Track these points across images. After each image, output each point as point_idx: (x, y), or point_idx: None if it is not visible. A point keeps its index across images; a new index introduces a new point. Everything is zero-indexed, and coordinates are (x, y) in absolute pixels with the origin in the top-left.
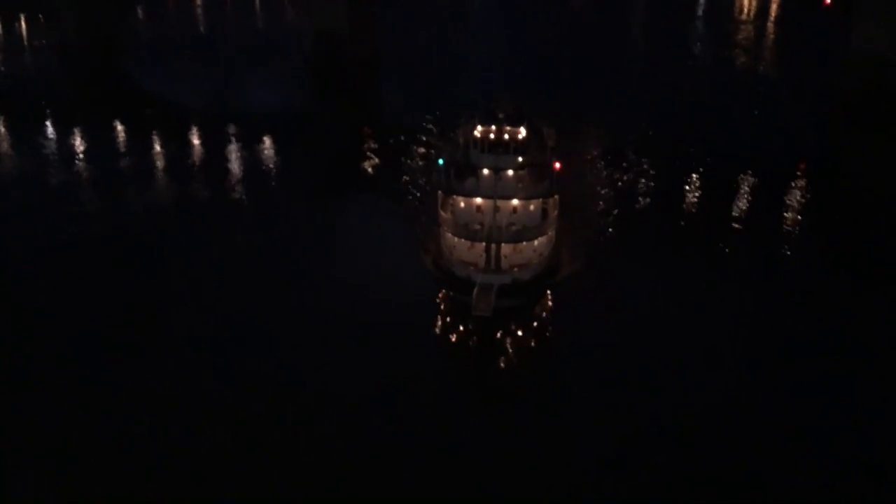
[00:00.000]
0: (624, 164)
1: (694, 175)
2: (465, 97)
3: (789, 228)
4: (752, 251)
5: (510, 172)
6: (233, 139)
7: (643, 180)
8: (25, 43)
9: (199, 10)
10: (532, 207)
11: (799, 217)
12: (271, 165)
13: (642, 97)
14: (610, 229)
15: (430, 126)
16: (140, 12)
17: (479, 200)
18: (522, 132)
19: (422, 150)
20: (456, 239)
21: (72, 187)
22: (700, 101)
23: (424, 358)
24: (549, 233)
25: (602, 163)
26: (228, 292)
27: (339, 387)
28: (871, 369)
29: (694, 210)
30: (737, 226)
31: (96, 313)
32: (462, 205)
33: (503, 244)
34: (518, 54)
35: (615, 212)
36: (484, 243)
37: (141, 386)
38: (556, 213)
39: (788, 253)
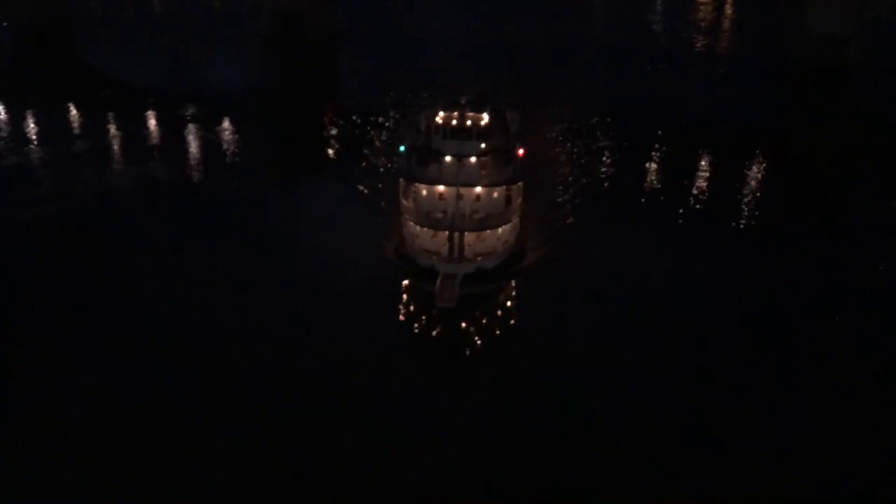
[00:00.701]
0: (588, 147)
1: (657, 155)
2: (428, 78)
3: (750, 202)
4: (717, 228)
5: (473, 159)
6: (191, 119)
7: (608, 163)
8: None
9: None
10: (496, 195)
11: (758, 190)
12: (230, 146)
13: (605, 78)
14: (575, 214)
15: (392, 108)
16: None
17: (441, 188)
18: (485, 118)
19: (383, 132)
20: (418, 227)
21: (26, 169)
22: (661, 82)
23: (386, 348)
24: (514, 220)
25: (566, 146)
26: (183, 274)
27: (297, 376)
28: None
29: (658, 190)
30: (701, 204)
31: (50, 293)
32: (424, 192)
33: (466, 232)
34: (481, 34)
35: (580, 196)
36: (447, 232)
37: (93, 367)
38: (520, 200)
39: (750, 226)
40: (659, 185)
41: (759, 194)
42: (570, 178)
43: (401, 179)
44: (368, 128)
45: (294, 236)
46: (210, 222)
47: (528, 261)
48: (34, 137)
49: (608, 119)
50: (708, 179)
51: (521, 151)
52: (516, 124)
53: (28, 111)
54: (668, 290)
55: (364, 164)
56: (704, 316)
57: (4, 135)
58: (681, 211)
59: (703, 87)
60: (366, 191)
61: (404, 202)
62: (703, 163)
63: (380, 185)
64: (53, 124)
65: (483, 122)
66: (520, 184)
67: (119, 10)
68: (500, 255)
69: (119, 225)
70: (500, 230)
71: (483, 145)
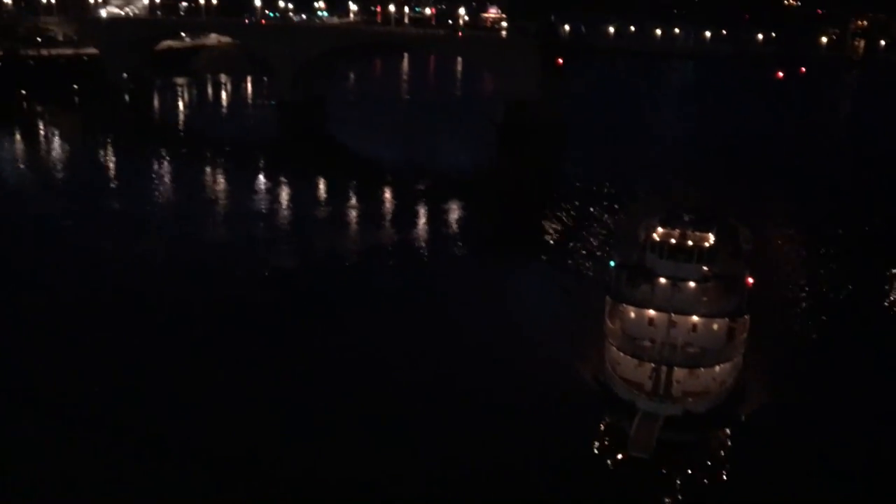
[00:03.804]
0: (832, 271)
1: None
2: (647, 177)
3: None
4: None
5: (692, 283)
6: (422, 195)
7: (853, 290)
8: (249, 101)
9: (404, 75)
10: (715, 327)
11: None
12: (453, 223)
13: (854, 189)
14: (812, 354)
15: (608, 207)
16: (351, 76)
17: (652, 312)
18: (710, 238)
19: (596, 234)
20: (621, 354)
21: (275, 229)
22: None
23: (560, 485)
24: (735, 359)
25: (806, 269)
26: (377, 342)
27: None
28: None
29: None
30: None
31: (272, 336)
32: (632, 315)
33: (676, 367)
34: (713, 130)
35: (819, 332)
36: (653, 364)
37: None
38: (744, 335)
39: None
40: None
41: None
42: (807, 310)
43: (607, 297)
44: (583, 225)
45: (491, 328)
46: (421, 294)
47: (749, 408)
48: (286, 202)
49: (858, 239)
50: None
51: (750, 280)
52: (749, 245)
53: (284, 179)
54: None
55: (573, 264)
56: None
57: (263, 200)
58: None
59: None
60: (571, 296)
61: (608, 323)
62: None
63: (586, 294)
64: (303, 192)
65: (707, 244)
66: (746, 317)
67: (369, 92)
68: (715, 399)
69: (342, 283)
70: (717, 368)
71: (705, 269)
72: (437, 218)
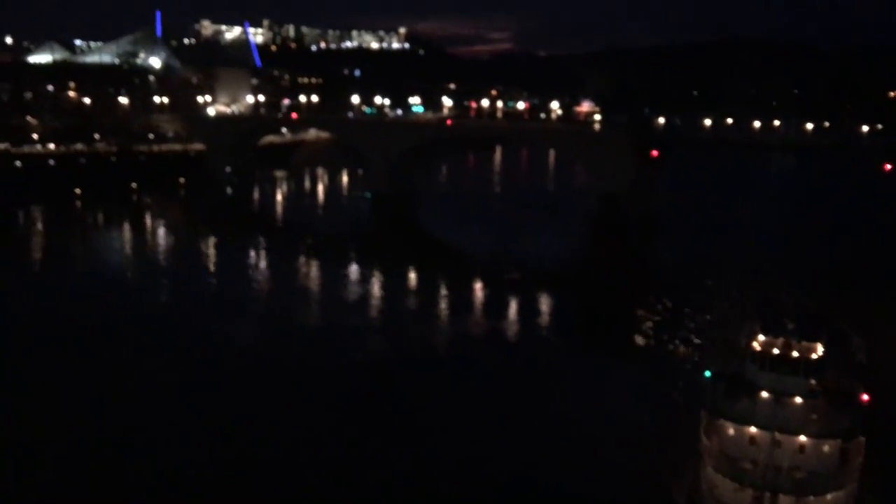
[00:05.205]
0: None
1: None
2: (749, 272)
3: None
4: None
5: (798, 399)
6: (511, 287)
7: None
8: (344, 193)
9: (497, 168)
10: (826, 449)
11: None
12: (542, 318)
13: None
14: None
15: (702, 314)
16: (444, 169)
17: (753, 430)
18: (819, 349)
19: (690, 335)
20: (719, 476)
21: (365, 319)
22: None
23: None
24: (849, 486)
25: None
26: (468, 436)
27: None
28: None
29: None
30: None
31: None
32: (731, 432)
33: (782, 494)
34: (818, 226)
35: None
36: (755, 489)
37: None
38: (859, 459)
39: None
40: None
41: None
42: None
43: (703, 411)
44: (676, 325)
45: (576, 436)
46: (507, 390)
47: None
48: (378, 291)
49: None
50: None
51: (865, 396)
52: (863, 356)
53: (377, 269)
54: None
55: (666, 369)
56: None
57: (355, 289)
58: None
59: None
60: (663, 405)
61: (705, 440)
62: None
63: (680, 404)
64: (396, 281)
65: (815, 355)
66: (861, 438)
67: (462, 185)
68: None
69: (430, 373)
70: (828, 497)
71: (813, 383)
72: (527, 311)
